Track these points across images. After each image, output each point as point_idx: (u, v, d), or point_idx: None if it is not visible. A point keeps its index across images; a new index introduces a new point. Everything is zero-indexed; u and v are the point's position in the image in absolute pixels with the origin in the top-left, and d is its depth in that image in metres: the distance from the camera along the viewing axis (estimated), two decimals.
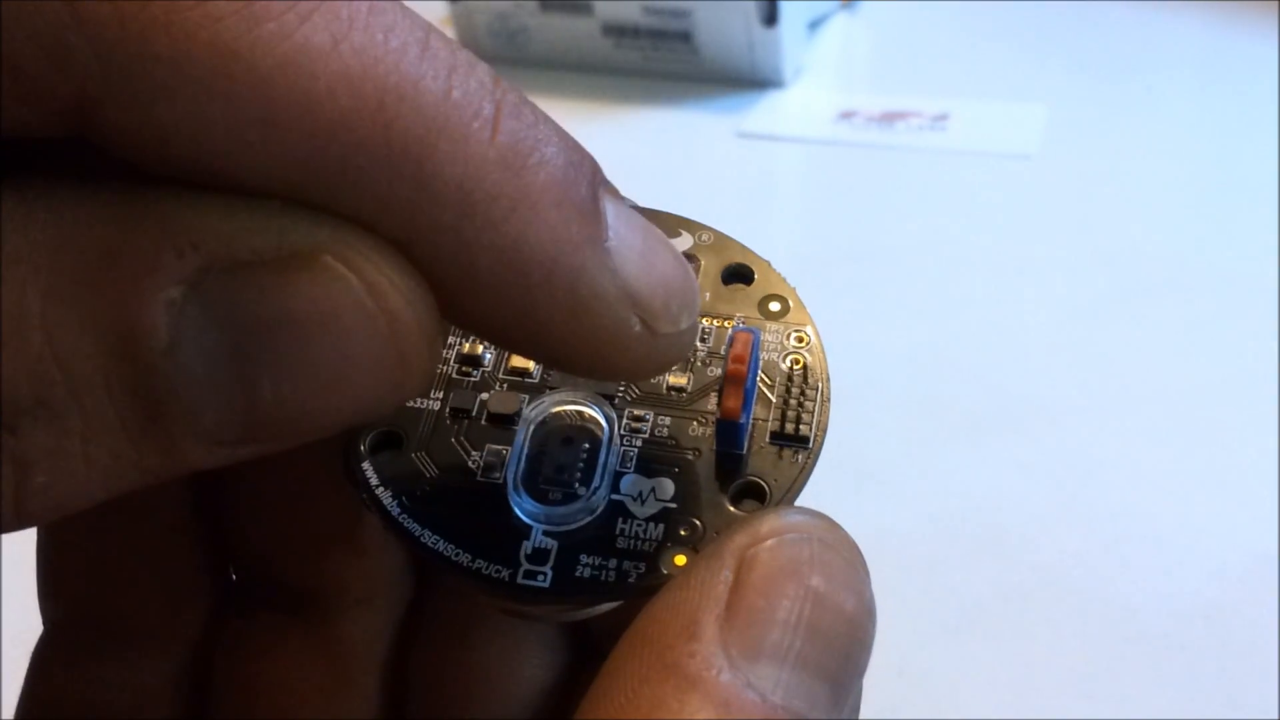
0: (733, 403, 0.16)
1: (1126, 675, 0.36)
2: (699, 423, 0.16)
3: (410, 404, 0.17)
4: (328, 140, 0.12)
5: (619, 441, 0.16)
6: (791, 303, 0.17)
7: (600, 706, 0.13)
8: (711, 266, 0.18)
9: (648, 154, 0.63)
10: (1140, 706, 0.35)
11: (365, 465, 0.17)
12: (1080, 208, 0.58)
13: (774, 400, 0.16)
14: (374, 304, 0.13)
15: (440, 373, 0.17)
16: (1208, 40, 0.72)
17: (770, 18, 0.67)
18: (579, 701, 0.14)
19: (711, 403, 0.16)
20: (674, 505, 0.16)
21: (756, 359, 0.16)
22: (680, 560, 0.15)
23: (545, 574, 0.15)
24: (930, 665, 0.36)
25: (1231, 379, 0.47)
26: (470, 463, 0.16)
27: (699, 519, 0.15)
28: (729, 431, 0.16)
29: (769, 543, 0.14)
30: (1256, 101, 0.64)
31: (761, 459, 0.16)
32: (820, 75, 0.71)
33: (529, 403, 0.17)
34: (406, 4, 0.13)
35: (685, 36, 0.69)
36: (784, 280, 0.18)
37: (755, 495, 0.16)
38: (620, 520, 0.16)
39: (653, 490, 0.16)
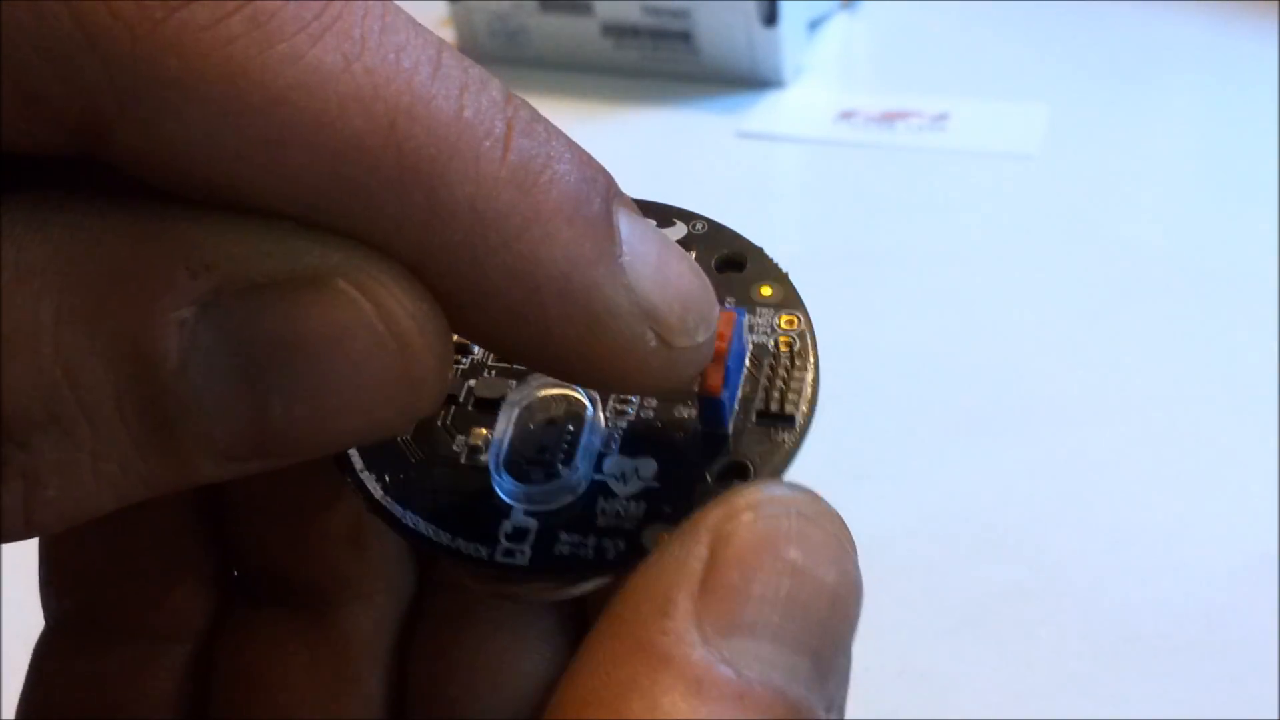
0: (714, 379, 0.15)
1: (1126, 675, 0.36)
2: (685, 405, 0.16)
3: None
4: (339, 161, 0.12)
5: (603, 424, 0.16)
6: (784, 288, 0.17)
7: (574, 687, 0.13)
8: (705, 255, 0.18)
9: (648, 154, 0.63)
10: (1140, 706, 0.35)
11: (351, 450, 0.17)
12: (1081, 208, 0.58)
13: (761, 380, 0.16)
14: (386, 328, 0.13)
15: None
16: (1208, 40, 0.72)
17: (770, 17, 0.67)
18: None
19: (697, 385, 0.16)
20: (657, 485, 0.16)
21: (741, 338, 0.16)
22: (660, 537, 0.15)
23: (524, 551, 0.15)
24: (930, 665, 0.36)
25: (1232, 379, 0.47)
26: (455, 446, 0.16)
27: (681, 498, 0.15)
28: (711, 408, 0.16)
29: (746, 516, 0.14)
30: (1257, 101, 0.64)
31: (746, 438, 0.16)
32: (820, 75, 0.71)
33: (516, 388, 0.17)
34: (407, 6, 0.13)
35: (685, 36, 0.69)
36: (777, 266, 0.18)
37: (739, 474, 0.16)
38: (602, 499, 0.16)
39: (636, 470, 0.16)
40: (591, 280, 0.13)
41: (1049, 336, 0.50)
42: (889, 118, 0.66)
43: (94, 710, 0.19)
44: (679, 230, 0.18)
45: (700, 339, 0.14)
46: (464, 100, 0.13)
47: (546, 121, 0.13)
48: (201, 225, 0.12)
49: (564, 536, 0.16)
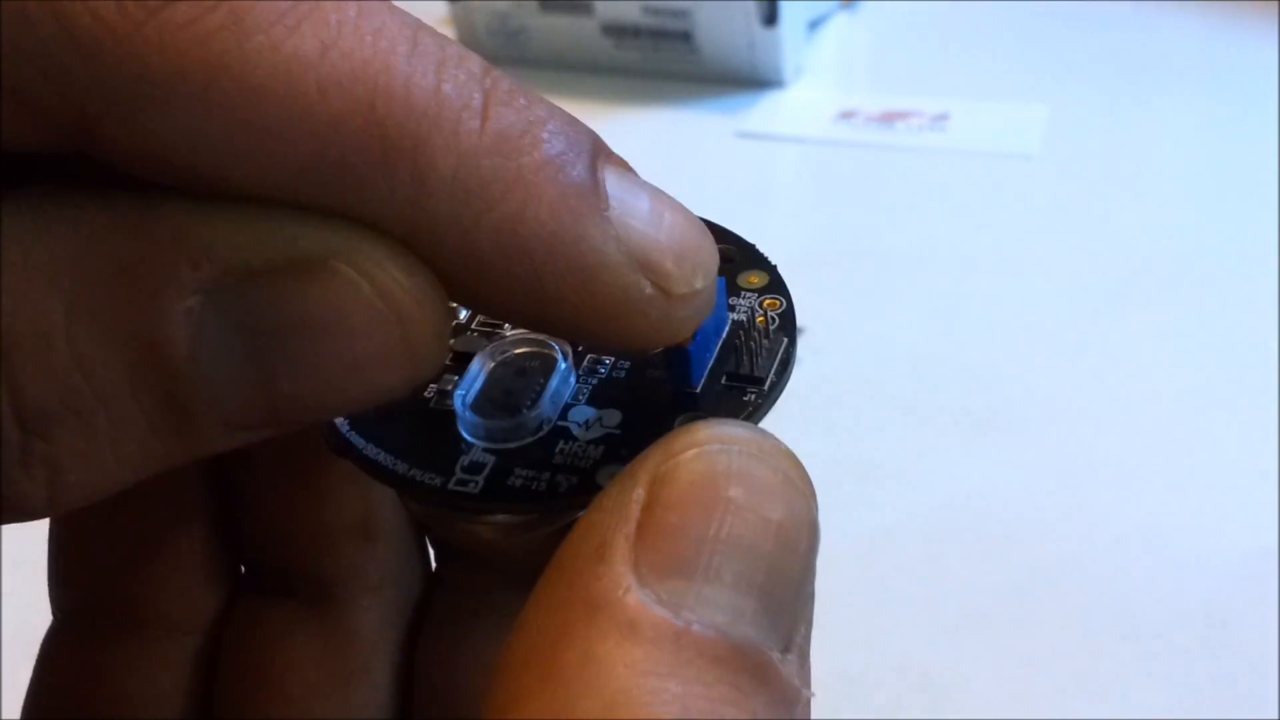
0: None
1: (1126, 674, 0.36)
2: (657, 367, 0.17)
3: None
4: (323, 144, 0.12)
5: (573, 375, 0.17)
6: (770, 277, 0.17)
7: (515, 638, 0.13)
8: None
9: (648, 154, 0.63)
10: (1140, 706, 0.35)
11: None
12: (1080, 208, 0.58)
13: (737, 350, 0.16)
14: (384, 305, 0.13)
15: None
16: (1208, 40, 0.72)
17: (770, 17, 0.67)
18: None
19: None
20: (619, 432, 0.16)
21: (720, 302, 0.16)
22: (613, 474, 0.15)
23: (477, 482, 0.16)
24: (930, 664, 0.36)
25: (1231, 379, 0.47)
26: (426, 392, 0.17)
27: (641, 445, 0.15)
28: (679, 362, 0.16)
29: (685, 456, 0.14)
30: (1256, 101, 0.64)
31: (714, 396, 0.16)
32: (820, 75, 0.71)
33: (493, 341, 0.17)
34: (407, 6, 0.14)
35: (685, 36, 0.69)
36: (766, 259, 0.18)
37: None
38: (562, 442, 0.16)
39: (600, 419, 0.16)
40: (578, 234, 0.13)
41: (1049, 336, 0.50)
42: (889, 118, 0.66)
43: (102, 702, 0.19)
44: None
45: (699, 285, 0.14)
46: (442, 75, 0.13)
47: (528, 90, 0.14)
48: (200, 216, 0.13)
49: (519, 471, 0.16)
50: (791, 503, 0.14)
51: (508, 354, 0.17)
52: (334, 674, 0.19)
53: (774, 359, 0.16)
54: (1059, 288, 0.53)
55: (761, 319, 0.17)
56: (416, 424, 0.16)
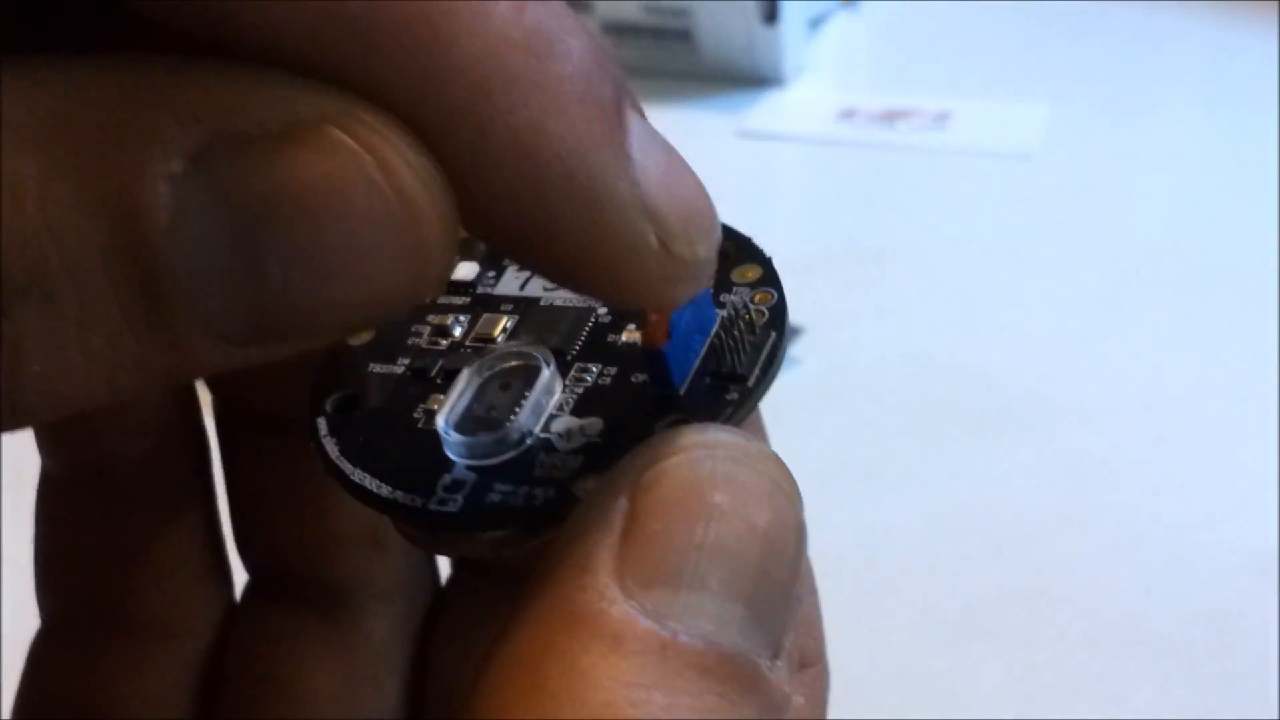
0: (656, 331, 0.15)
1: (1127, 675, 0.36)
2: (642, 372, 0.16)
3: (375, 368, 0.17)
4: (341, 2, 0.11)
5: (560, 388, 0.16)
6: (764, 271, 0.17)
7: (499, 651, 0.13)
8: None
9: None
10: (1141, 707, 0.35)
11: (320, 419, 0.17)
12: (1081, 207, 0.58)
13: (723, 348, 0.16)
14: (385, 181, 0.12)
15: (411, 344, 0.17)
16: (1208, 40, 0.72)
17: (771, 16, 0.67)
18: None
19: (641, 340, 0.16)
20: (600, 440, 0.15)
21: (706, 301, 0.16)
22: (588, 487, 0.15)
23: (456, 500, 0.15)
24: (930, 665, 0.36)
25: (1232, 379, 0.47)
26: (415, 414, 0.17)
27: (622, 453, 0.14)
28: (655, 364, 0.15)
29: (668, 462, 0.13)
30: (1256, 101, 0.64)
31: (697, 397, 0.16)
32: (821, 74, 0.71)
33: (482, 356, 0.17)
34: None
35: (685, 35, 0.69)
36: (761, 252, 0.17)
37: None
38: (543, 454, 0.15)
39: (582, 428, 0.16)
40: (598, 164, 0.12)
41: (1049, 336, 0.50)
42: (889, 117, 0.66)
43: (90, 706, 0.19)
44: None
45: (700, 253, 0.14)
46: None
47: (567, 4, 0.13)
48: (191, 76, 0.12)
49: (498, 486, 0.15)
50: (777, 507, 0.14)
51: (494, 368, 0.16)
52: (345, 680, 0.19)
53: (759, 355, 0.16)
54: (1059, 287, 0.53)
55: (751, 315, 0.16)
56: (404, 446, 0.16)
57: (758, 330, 0.16)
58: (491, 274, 0.18)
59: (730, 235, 0.18)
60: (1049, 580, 0.39)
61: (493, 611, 0.19)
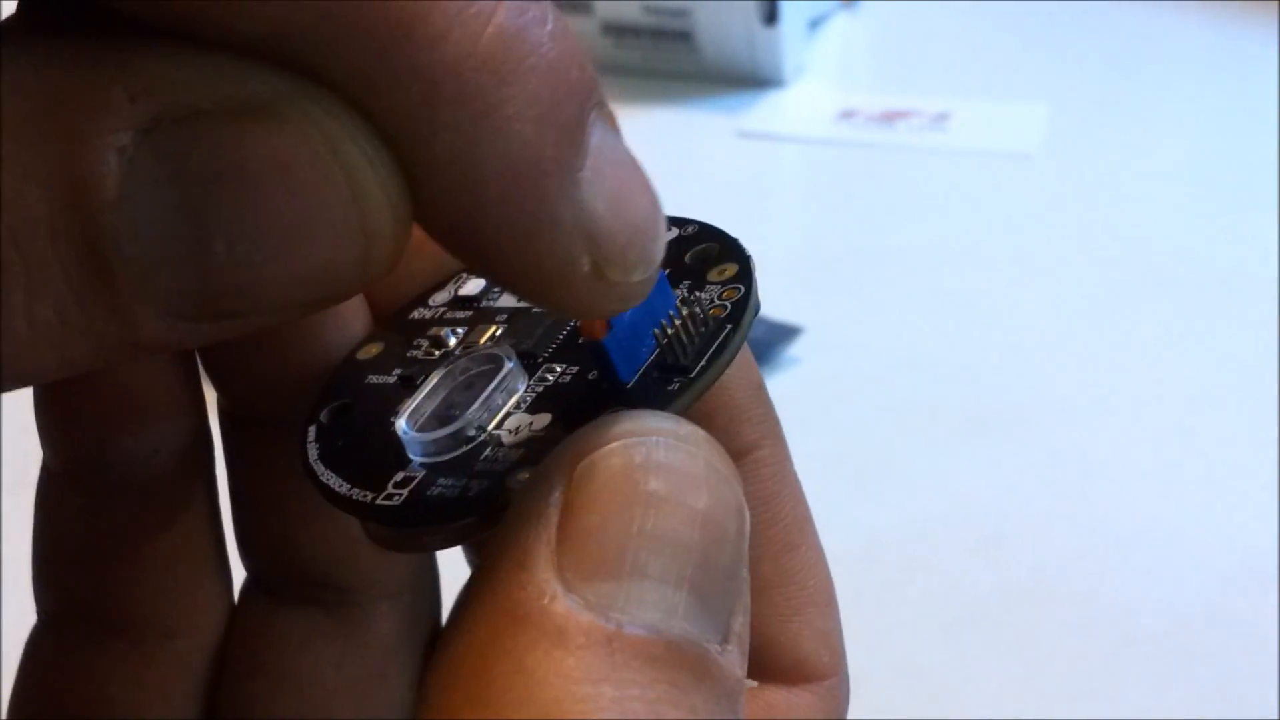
0: (594, 324, 0.15)
1: (1126, 675, 0.36)
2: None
3: (372, 379, 0.17)
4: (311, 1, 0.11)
5: (520, 385, 0.16)
6: (739, 269, 0.17)
7: (444, 652, 0.13)
8: (683, 253, 0.18)
9: (648, 153, 0.63)
10: (1140, 707, 0.35)
11: (311, 427, 0.17)
12: (1081, 207, 0.58)
13: (671, 338, 0.16)
14: (332, 157, 0.12)
15: (410, 356, 0.18)
16: (1208, 40, 0.72)
17: (770, 17, 0.67)
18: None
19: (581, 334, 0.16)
20: (543, 434, 0.15)
21: (665, 298, 0.16)
22: (522, 477, 0.15)
23: (401, 495, 0.15)
24: (929, 665, 0.36)
25: (1232, 378, 0.47)
26: (390, 416, 0.17)
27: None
28: (598, 358, 0.15)
29: (599, 452, 0.13)
30: (1256, 101, 0.64)
31: (642, 390, 0.15)
32: (821, 74, 0.71)
33: (453, 355, 0.17)
34: None
35: (685, 36, 0.69)
36: (743, 252, 0.17)
37: None
38: (489, 449, 0.16)
39: (530, 424, 0.16)
40: (543, 189, 0.12)
41: (1049, 336, 0.50)
42: (889, 117, 0.66)
43: (87, 703, 0.19)
44: (669, 235, 0.18)
45: (635, 278, 0.13)
46: None
47: (547, 4, 0.12)
48: (144, 52, 0.12)
49: (441, 481, 0.15)
50: (716, 489, 0.13)
51: (462, 370, 0.16)
52: (353, 679, 0.19)
53: (709, 347, 0.16)
54: (1059, 287, 0.53)
55: (715, 312, 0.16)
56: (374, 448, 0.16)
57: (711, 324, 0.16)
58: (496, 289, 0.18)
59: (716, 236, 0.17)
60: (1047, 580, 0.39)
61: None
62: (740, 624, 0.14)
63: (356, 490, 0.16)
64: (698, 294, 0.17)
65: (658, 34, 0.69)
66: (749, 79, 0.69)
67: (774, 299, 0.50)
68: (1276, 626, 0.36)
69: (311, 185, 0.12)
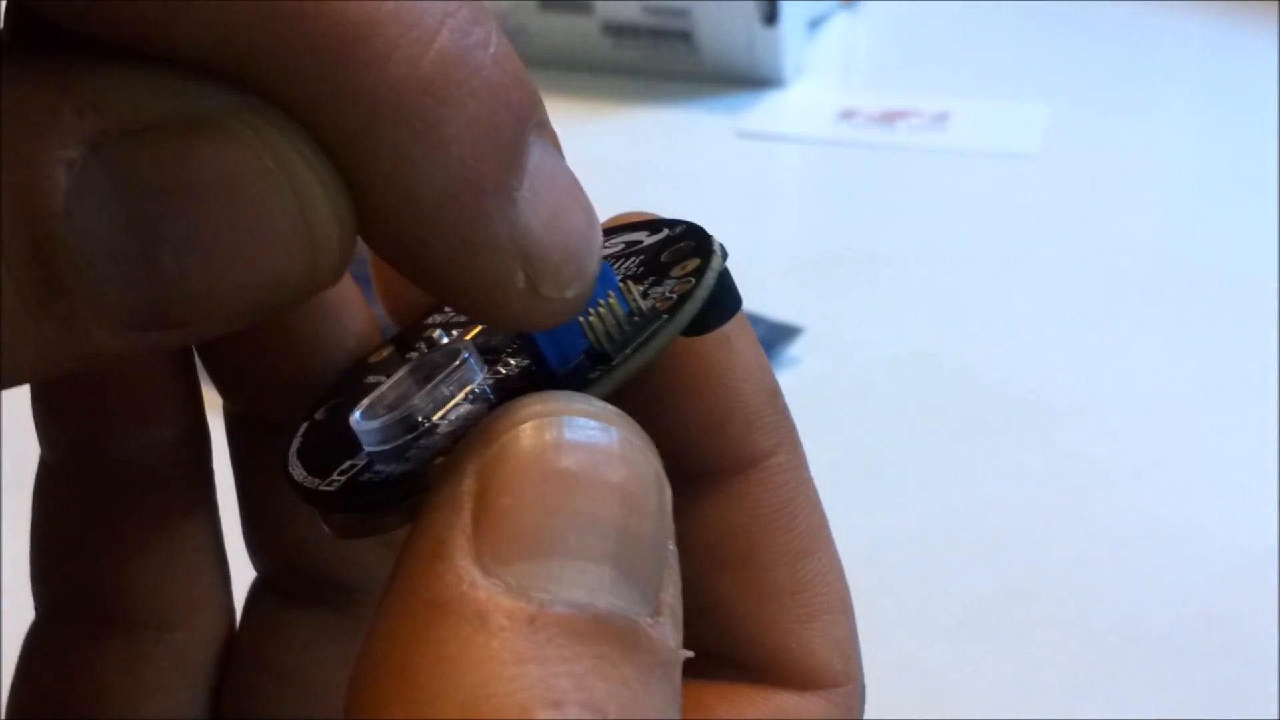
0: None
1: (1127, 675, 0.36)
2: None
3: (369, 380, 0.18)
4: (250, 13, 0.11)
5: (474, 379, 0.16)
6: (700, 263, 0.17)
7: (366, 650, 0.13)
8: (660, 252, 0.17)
9: (648, 153, 0.63)
10: (1140, 707, 0.35)
11: (304, 424, 0.17)
12: (1081, 207, 0.58)
13: (596, 328, 0.16)
14: (279, 170, 0.12)
15: (409, 358, 0.18)
16: (1208, 40, 0.72)
17: (770, 17, 0.67)
18: None
19: None
20: (473, 422, 0.15)
21: (609, 284, 0.16)
22: (437, 464, 0.15)
23: (339, 480, 0.15)
24: (930, 665, 0.36)
25: (1232, 379, 0.47)
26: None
27: None
28: (527, 346, 0.16)
29: (509, 435, 0.13)
30: (1256, 101, 0.65)
31: (568, 378, 0.16)
32: (821, 74, 0.71)
33: (422, 352, 0.17)
34: None
35: (685, 36, 0.69)
36: (710, 248, 0.17)
37: None
38: (425, 438, 0.16)
39: (470, 414, 0.16)
40: (479, 207, 0.13)
41: (1049, 336, 0.50)
42: (889, 117, 0.66)
43: (85, 698, 0.19)
44: (659, 236, 0.18)
45: (569, 294, 0.14)
46: None
47: (491, 26, 0.13)
48: (93, 69, 0.12)
49: (375, 467, 0.15)
50: (631, 462, 0.13)
51: (422, 364, 0.17)
52: None
53: (639, 337, 0.16)
54: (1059, 287, 0.53)
55: (662, 302, 0.16)
56: (341, 440, 0.16)
57: (648, 315, 0.16)
58: None
59: (695, 234, 0.17)
60: (1047, 580, 0.39)
61: None
62: (671, 595, 0.13)
63: (309, 479, 0.16)
64: (656, 289, 0.16)
65: (658, 34, 0.69)
66: (749, 79, 0.69)
67: (774, 299, 0.51)
68: (1276, 626, 0.36)
69: (258, 197, 0.12)
